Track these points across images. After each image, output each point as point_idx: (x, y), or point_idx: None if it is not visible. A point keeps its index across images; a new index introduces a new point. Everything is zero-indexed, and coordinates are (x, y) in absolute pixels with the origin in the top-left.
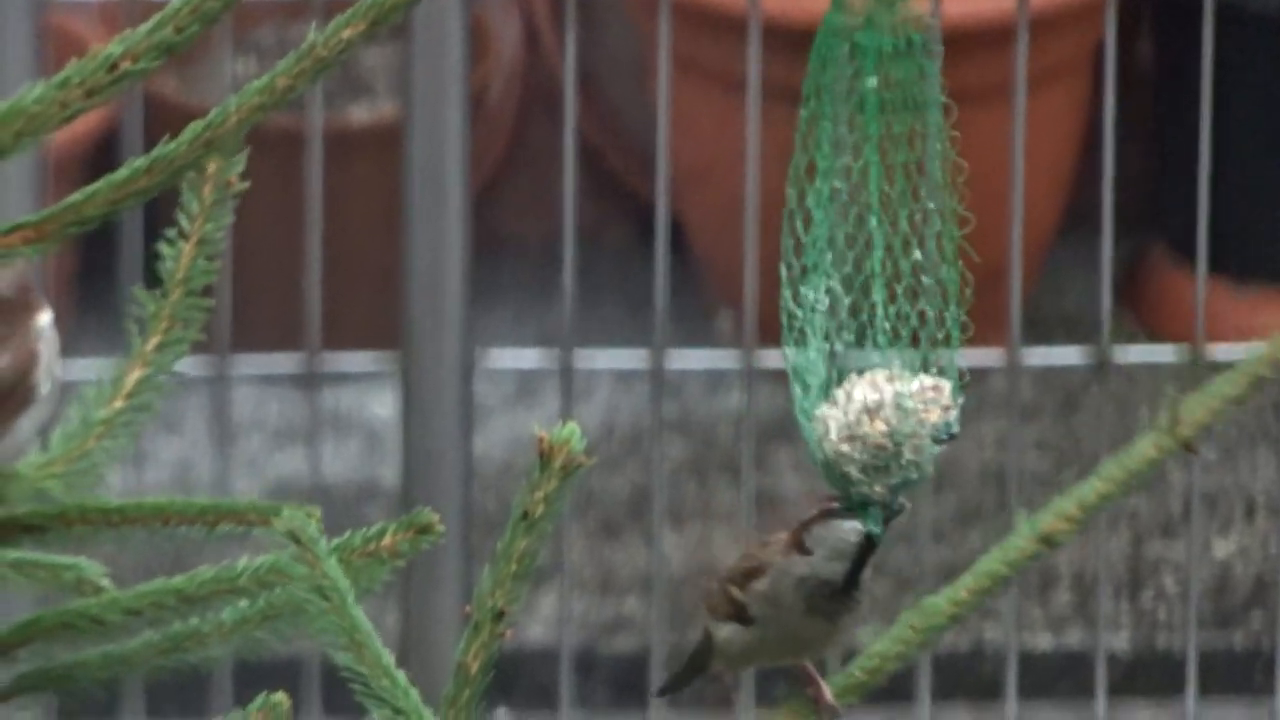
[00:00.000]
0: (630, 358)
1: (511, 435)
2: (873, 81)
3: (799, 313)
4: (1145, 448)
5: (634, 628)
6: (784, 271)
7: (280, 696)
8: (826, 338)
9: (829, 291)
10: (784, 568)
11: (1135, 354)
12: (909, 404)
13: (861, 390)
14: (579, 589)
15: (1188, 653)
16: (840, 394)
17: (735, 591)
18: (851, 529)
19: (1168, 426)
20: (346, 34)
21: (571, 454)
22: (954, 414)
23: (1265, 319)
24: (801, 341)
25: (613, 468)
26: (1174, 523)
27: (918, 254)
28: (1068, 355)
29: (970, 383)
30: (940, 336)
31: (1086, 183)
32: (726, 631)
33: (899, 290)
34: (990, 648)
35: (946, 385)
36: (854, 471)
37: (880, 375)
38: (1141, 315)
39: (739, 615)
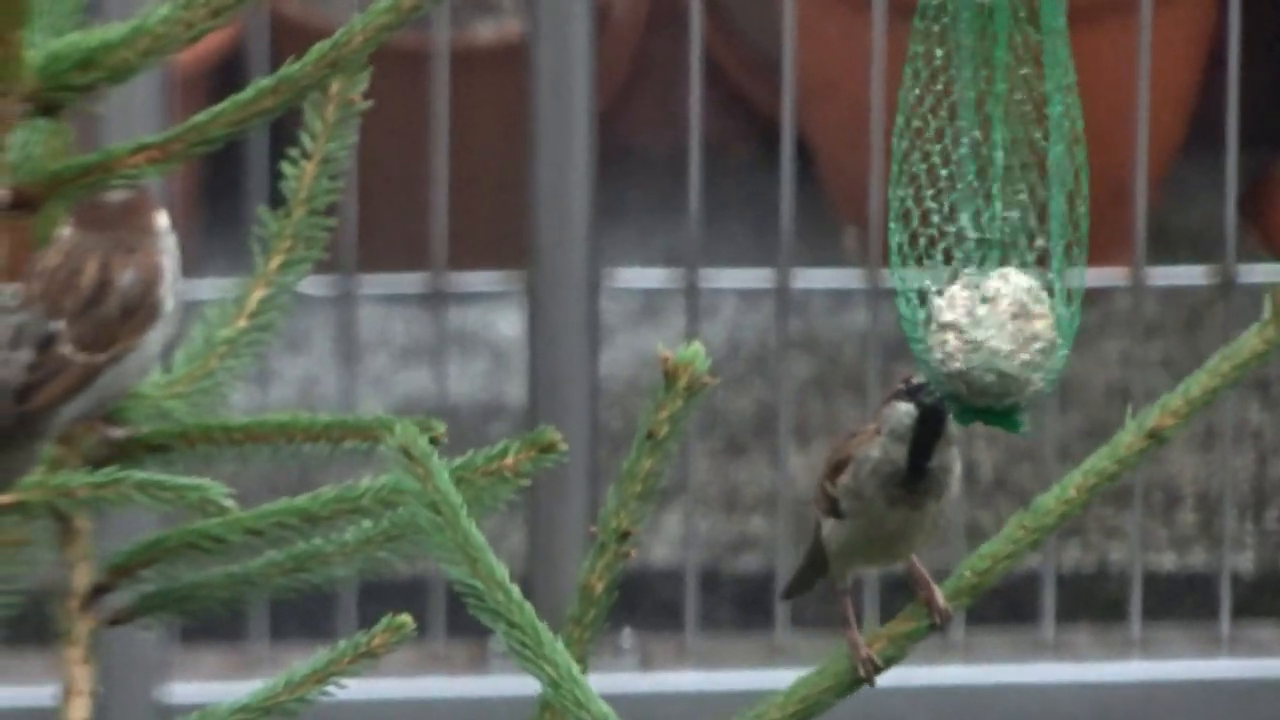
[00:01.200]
0: (755, 276)
1: (637, 354)
2: None
3: (947, 233)
4: (1251, 340)
5: (759, 547)
6: (901, 186)
7: (404, 617)
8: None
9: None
10: (860, 457)
11: (1260, 273)
12: (1046, 299)
13: (995, 289)
14: (704, 508)
15: None
16: (960, 297)
17: (828, 486)
18: (906, 410)
19: (1273, 319)
20: None
21: (696, 374)
22: (1043, 347)
23: None
24: (913, 255)
25: (738, 386)
26: None
27: (1029, 155)
28: (1192, 274)
29: (1095, 301)
30: (1061, 250)
31: (1211, 98)
32: (827, 528)
33: (1010, 194)
34: (1115, 568)
35: (1047, 315)
36: (1013, 370)
37: (992, 277)
38: (1267, 232)
39: (833, 510)
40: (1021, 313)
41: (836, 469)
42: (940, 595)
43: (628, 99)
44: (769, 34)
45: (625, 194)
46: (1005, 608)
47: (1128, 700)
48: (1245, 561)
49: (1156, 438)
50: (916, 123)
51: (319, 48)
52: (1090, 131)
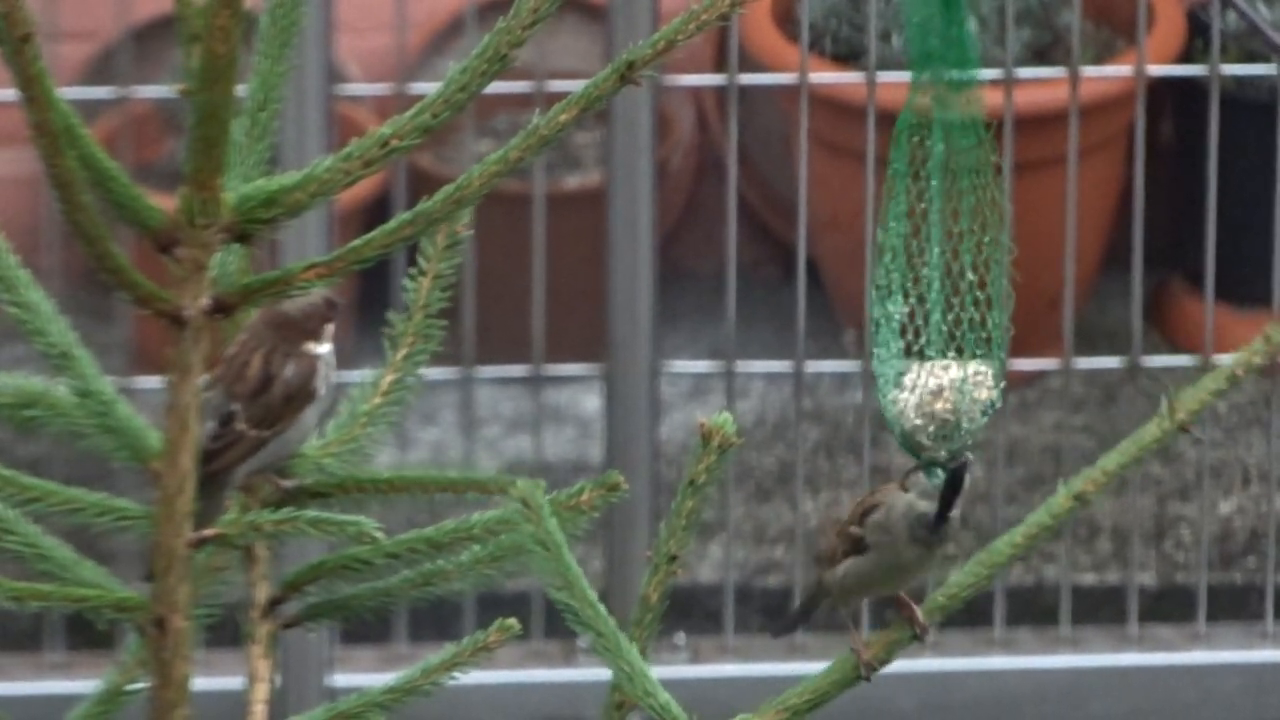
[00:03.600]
0: (778, 365)
1: (688, 424)
2: (940, 148)
3: (881, 322)
4: (1151, 430)
5: (781, 569)
6: (872, 293)
7: (511, 621)
8: (903, 339)
9: (906, 305)
10: (892, 502)
11: (1159, 361)
12: (966, 387)
13: (924, 377)
14: (739, 539)
15: (1200, 586)
16: (906, 380)
17: (854, 529)
18: (926, 478)
19: (1168, 414)
20: (563, 118)
21: (726, 435)
22: (996, 393)
23: (1257, 332)
24: (883, 344)
25: (764, 448)
26: (1188, 488)
27: (971, 275)
28: (1108, 362)
29: (1033, 382)
30: (986, 338)
31: (1122, 230)
32: (844, 567)
33: (955, 303)
34: (1049, 583)
35: (988, 371)
36: (925, 440)
37: (938, 366)
38: (1164, 331)
39: (856, 548)
40: (936, 399)
41: (866, 511)
42: (920, 613)
43: (680, 232)
44: (788, 181)
45: (679, 304)
46: (966, 613)
47: (1059, 685)
48: (1149, 578)
49: (1081, 500)
50: (891, 253)
51: (445, 190)
52: (1032, 253)
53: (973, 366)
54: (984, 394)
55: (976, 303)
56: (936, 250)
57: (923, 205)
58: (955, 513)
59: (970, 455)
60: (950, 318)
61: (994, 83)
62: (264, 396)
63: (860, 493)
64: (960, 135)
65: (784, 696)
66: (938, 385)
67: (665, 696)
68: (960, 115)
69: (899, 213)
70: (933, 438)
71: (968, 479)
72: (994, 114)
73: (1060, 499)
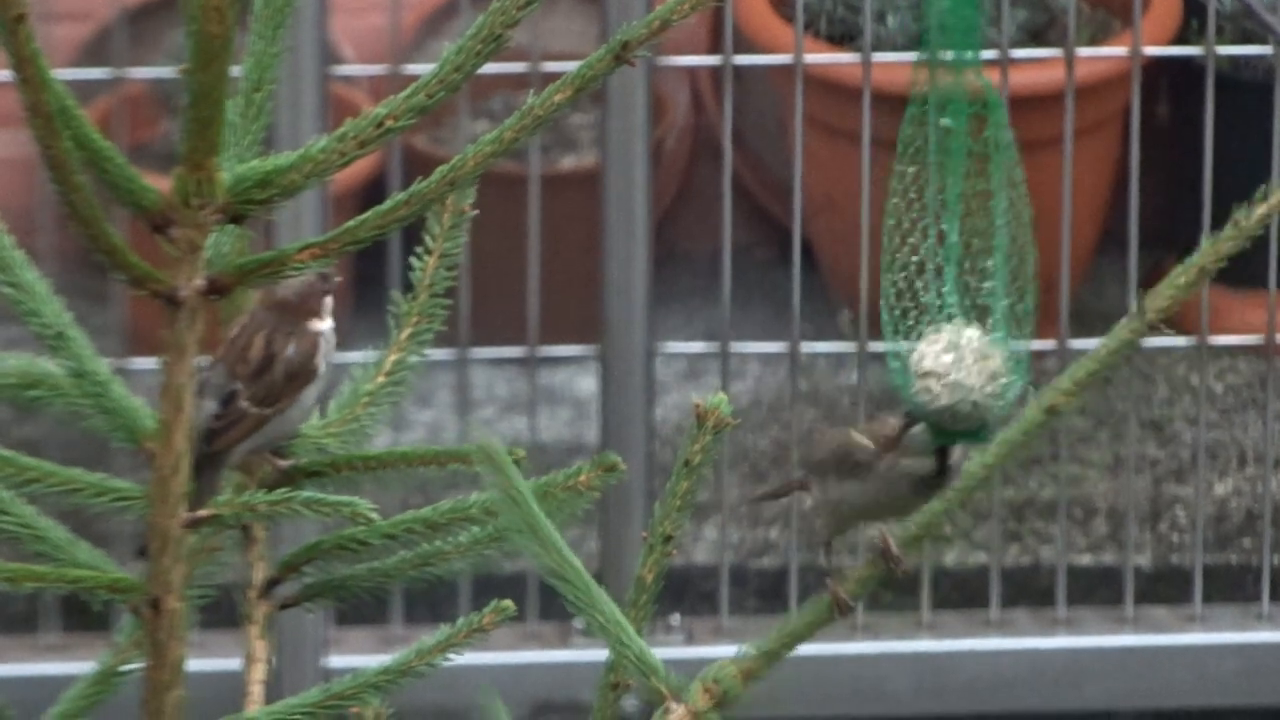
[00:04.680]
0: (773, 346)
1: (683, 405)
2: (946, 121)
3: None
4: (1121, 332)
5: (776, 551)
6: (892, 277)
7: (507, 602)
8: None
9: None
10: (894, 461)
11: (1155, 342)
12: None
13: (931, 354)
14: (734, 521)
15: (1195, 567)
16: (923, 353)
17: (883, 452)
18: (920, 432)
19: (1138, 313)
20: (558, 99)
21: (720, 416)
22: (1003, 381)
23: (1254, 315)
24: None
25: (760, 429)
26: (1184, 469)
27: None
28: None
29: (1031, 363)
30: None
31: (1118, 211)
32: (842, 491)
33: (969, 285)
34: (1046, 565)
35: (999, 355)
36: (932, 386)
37: (946, 336)
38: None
39: (840, 469)
40: (981, 356)
41: (890, 441)
42: (894, 544)
43: (676, 213)
44: (783, 163)
45: (674, 285)
46: (963, 595)
47: (1055, 666)
48: (1144, 560)
49: (1052, 412)
50: (898, 223)
51: (440, 170)
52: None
53: (974, 332)
54: (979, 378)
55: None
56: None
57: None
58: (956, 456)
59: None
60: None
61: (990, 63)
62: (266, 375)
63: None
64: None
65: (760, 640)
66: (974, 348)
67: (640, 646)
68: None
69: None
70: (989, 397)
71: (957, 452)
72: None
73: (1031, 412)
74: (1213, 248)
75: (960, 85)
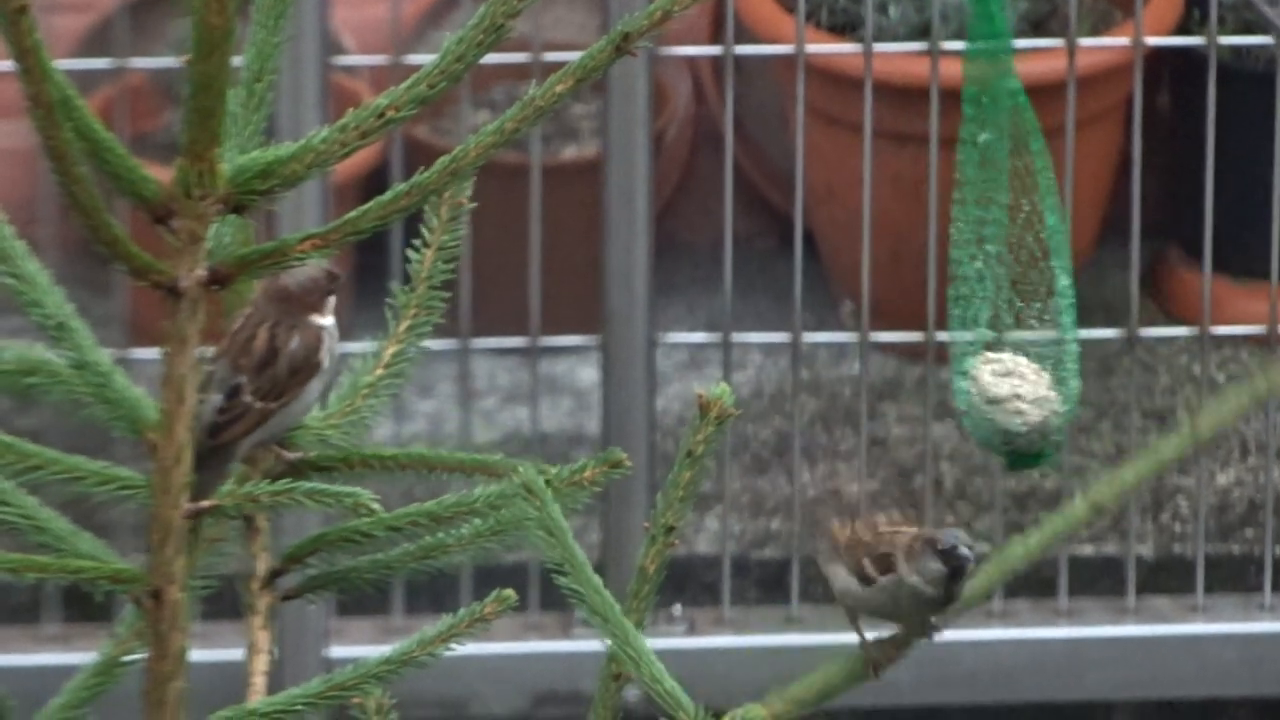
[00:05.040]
0: (774, 336)
1: (685, 395)
2: (984, 137)
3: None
4: (1169, 447)
5: (778, 541)
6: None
7: (508, 593)
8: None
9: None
10: (901, 580)
11: (1156, 332)
12: (1032, 410)
13: (1001, 381)
14: (736, 511)
15: (1197, 557)
16: (982, 379)
17: (869, 568)
18: (938, 568)
19: (1188, 430)
20: (559, 89)
21: (723, 407)
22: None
23: (1255, 306)
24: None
25: (761, 419)
26: (1186, 459)
27: (1046, 263)
28: (1106, 333)
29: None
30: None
31: (1119, 201)
32: (846, 584)
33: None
34: (1047, 555)
35: (1054, 398)
36: (999, 439)
37: (1006, 361)
38: (1161, 302)
39: (861, 578)
40: (1035, 373)
41: (880, 563)
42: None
43: (677, 203)
44: (784, 153)
45: (676, 275)
46: None
47: (1057, 656)
48: (1146, 550)
49: (1097, 510)
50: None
51: (441, 161)
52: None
53: (1041, 389)
54: (1045, 393)
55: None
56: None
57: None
58: (963, 588)
59: (970, 551)
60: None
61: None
62: (270, 369)
63: (856, 466)
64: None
65: (792, 689)
66: (1029, 366)
67: (672, 684)
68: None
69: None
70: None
71: (969, 569)
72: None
73: (1078, 507)
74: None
75: (997, 90)
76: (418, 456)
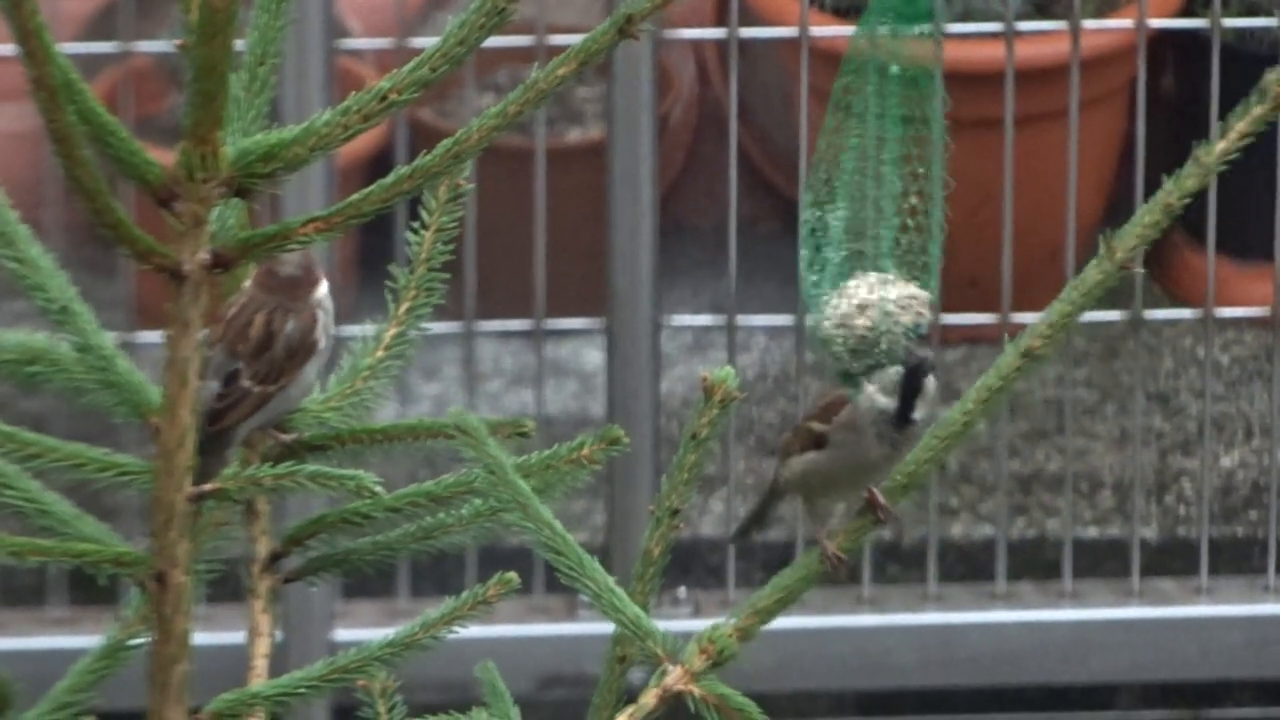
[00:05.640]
0: (779, 318)
1: (689, 378)
2: (894, 69)
3: (819, 227)
4: (1092, 273)
5: (783, 523)
6: (809, 198)
7: (511, 575)
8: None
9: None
10: (858, 400)
11: (1160, 314)
12: (890, 308)
13: (860, 289)
14: (741, 493)
15: (1201, 540)
16: (846, 287)
17: (817, 425)
18: (895, 370)
19: (1107, 254)
20: (562, 72)
21: (727, 390)
22: (925, 319)
23: (1259, 288)
24: (818, 249)
25: (766, 401)
26: (1190, 441)
27: (914, 200)
28: (1110, 314)
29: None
30: (924, 264)
31: (1123, 183)
32: (803, 461)
33: (901, 233)
34: (1052, 537)
35: (923, 295)
36: (841, 350)
37: (875, 278)
38: (1165, 284)
39: (817, 444)
40: (859, 314)
41: (828, 410)
42: (880, 496)
43: (681, 186)
44: (789, 135)
45: (680, 257)
46: (969, 568)
47: (1061, 638)
48: (1150, 532)
49: (1029, 356)
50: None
51: (444, 144)
52: (1033, 206)
53: (909, 289)
54: (910, 317)
55: (919, 229)
56: (887, 185)
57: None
58: (920, 413)
59: (928, 354)
60: (902, 243)
61: (995, 36)
62: (267, 352)
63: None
64: (898, 83)
65: (753, 598)
66: (864, 300)
67: (635, 611)
68: (904, 64)
69: (836, 139)
70: (848, 351)
71: (929, 381)
72: (995, 67)
73: (1008, 356)
74: (1176, 185)
75: (895, 52)
76: (404, 427)
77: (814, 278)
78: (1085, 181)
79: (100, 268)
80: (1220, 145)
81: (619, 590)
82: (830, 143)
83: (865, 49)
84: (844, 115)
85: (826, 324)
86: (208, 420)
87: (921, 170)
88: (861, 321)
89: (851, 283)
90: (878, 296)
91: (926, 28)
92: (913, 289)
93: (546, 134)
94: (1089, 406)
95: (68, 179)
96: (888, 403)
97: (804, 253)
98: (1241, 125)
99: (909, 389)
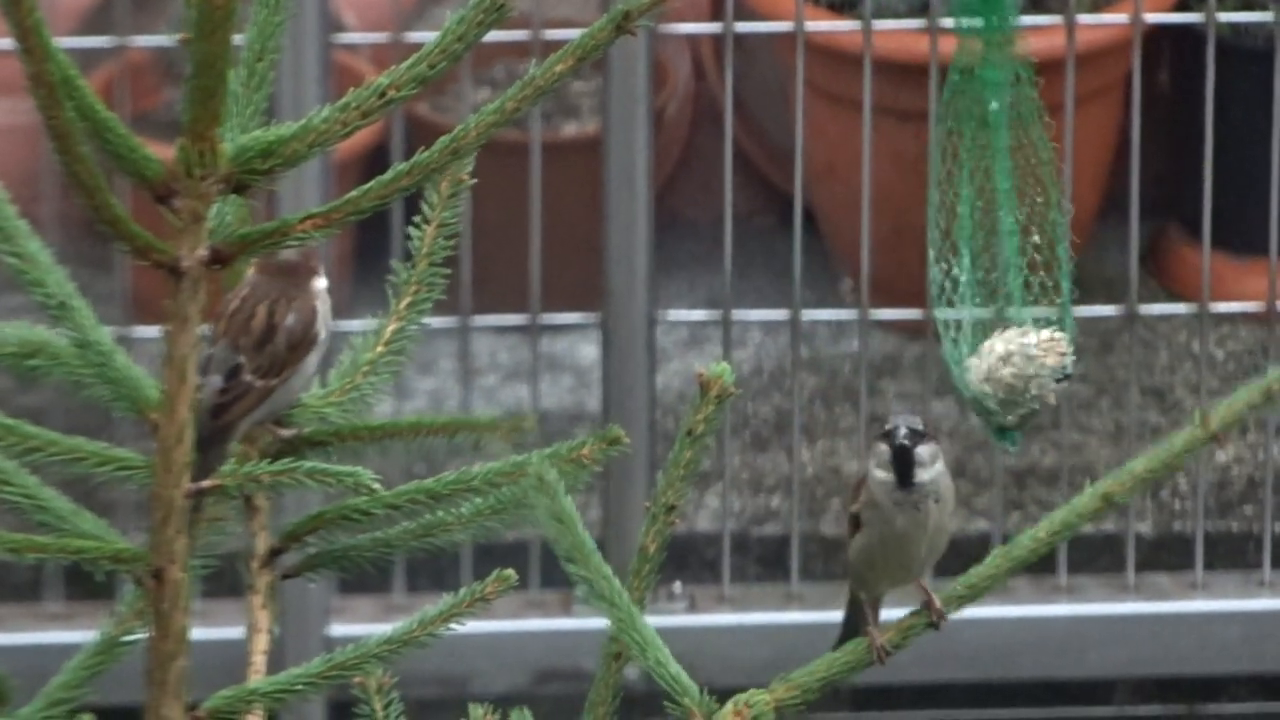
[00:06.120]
0: (774, 314)
1: (685, 372)
2: (995, 104)
3: (948, 284)
4: (1180, 441)
5: (778, 519)
6: (932, 254)
7: (509, 572)
8: (971, 302)
9: (974, 268)
10: (866, 484)
11: (1156, 309)
12: (1033, 352)
13: (998, 343)
14: (736, 489)
15: (1196, 534)
16: (984, 347)
17: (852, 508)
18: (884, 448)
19: (1199, 425)
20: (559, 68)
21: (723, 386)
22: (1069, 359)
23: (1255, 282)
24: (951, 305)
25: (762, 397)
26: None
27: (1036, 237)
28: (1106, 309)
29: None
30: (1055, 298)
31: (1119, 178)
32: (853, 547)
33: (1023, 264)
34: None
35: (1062, 336)
36: (992, 405)
37: (1013, 331)
38: (1161, 279)
39: (857, 527)
40: (1003, 365)
41: (855, 491)
42: (938, 601)
43: (677, 181)
44: (784, 130)
45: (676, 252)
46: (964, 563)
47: (1057, 633)
48: (1146, 527)
49: (1108, 501)
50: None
51: (442, 140)
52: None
53: (1045, 333)
54: (1054, 359)
55: (1047, 266)
56: (1003, 213)
57: (985, 162)
58: (926, 475)
59: (906, 424)
60: (1021, 279)
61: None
62: (269, 345)
63: (855, 442)
64: (1008, 91)
65: (796, 674)
66: (1006, 351)
67: (677, 668)
68: (1005, 64)
69: (961, 171)
70: (1000, 403)
71: (919, 451)
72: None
73: (1087, 499)
74: None
75: (1001, 58)
76: (405, 424)
77: (952, 337)
78: (1081, 176)
79: (98, 262)
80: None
81: (663, 647)
82: (943, 193)
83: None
84: (951, 160)
85: (973, 382)
86: (211, 415)
87: (1040, 200)
88: (1007, 371)
89: (988, 341)
90: (1018, 345)
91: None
92: (1049, 332)
93: (542, 128)
94: (1084, 401)
95: (66, 174)
96: (887, 476)
97: (937, 314)
98: None
99: (901, 464)
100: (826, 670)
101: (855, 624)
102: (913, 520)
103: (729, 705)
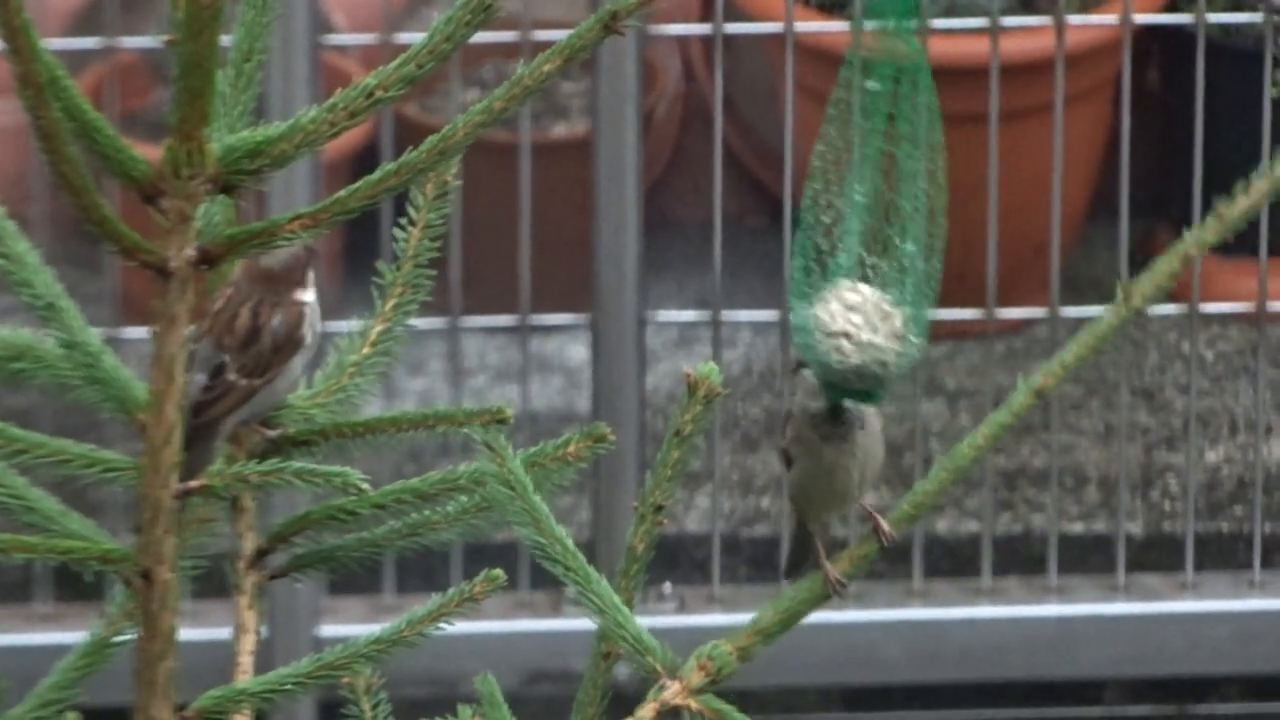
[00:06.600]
0: (764, 314)
1: (675, 373)
2: (874, 85)
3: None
4: (1106, 319)
5: (768, 519)
6: (806, 227)
7: (498, 572)
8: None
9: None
10: (792, 412)
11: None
12: (884, 308)
13: (844, 294)
14: (726, 489)
15: (1187, 534)
16: (825, 309)
17: (781, 444)
18: (809, 372)
19: (1123, 300)
20: (547, 68)
21: (712, 386)
22: (907, 340)
23: (1245, 282)
24: (816, 277)
25: (751, 397)
26: (1175, 437)
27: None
28: (1095, 310)
29: (1020, 330)
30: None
31: (1109, 178)
32: (789, 483)
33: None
34: (1037, 532)
35: (898, 314)
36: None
37: (845, 295)
38: None
39: (788, 461)
40: (882, 316)
41: (783, 426)
42: (885, 523)
43: (667, 181)
44: (774, 131)
45: (665, 253)
46: (954, 563)
47: (1047, 633)
48: (1136, 528)
49: (1040, 394)
50: (824, 186)
51: (430, 140)
52: (1019, 202)
53: (869, 289)
54: (881, 337)
55: (884, 251)
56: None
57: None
58: (851, 402)
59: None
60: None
61: (980, 31)
62: (254, 346)
63: None
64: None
65: (756, 618)
66: (875, 305)
67: (636, 627)
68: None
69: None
70: (896, 356)
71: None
72: (980, 63)
73: (1020, 394)
74: (1198, 235)
75: (890, 50)
76: (387, 420)
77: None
78: (1071, 177)
79: (87, 263)
80: (1242, 202)
81: (623, 606)
82: (829, 148)
83: (866, 51)
84: (840, 125)
85: (820, 333)
86: (193, 413)
87: (908, 205)
88: (855, 318)
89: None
90: (863, 296)
91: (913, 21)
92: (888, 306)
93: (531, 129)
94: (1074, 402)
95: (53, 175)
96: (817, 405)
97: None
98: (1264, 184)
99: (829, 386)
100: (785, 610)
101: (804, 546)
102: (841, 450)
103: (691, 659)
